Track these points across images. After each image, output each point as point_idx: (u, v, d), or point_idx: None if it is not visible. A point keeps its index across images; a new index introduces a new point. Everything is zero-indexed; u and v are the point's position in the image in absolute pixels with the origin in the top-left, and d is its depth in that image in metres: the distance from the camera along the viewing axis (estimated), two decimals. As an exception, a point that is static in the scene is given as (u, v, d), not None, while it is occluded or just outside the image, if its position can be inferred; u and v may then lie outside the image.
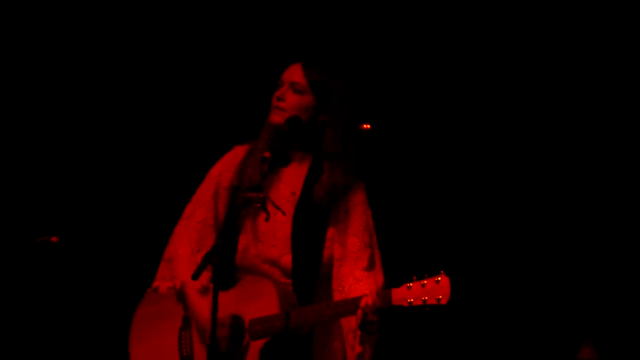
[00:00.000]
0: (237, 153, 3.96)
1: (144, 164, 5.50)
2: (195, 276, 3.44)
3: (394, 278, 3.68)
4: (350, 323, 3.68)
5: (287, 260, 3.78)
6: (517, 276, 5.19)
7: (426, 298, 3.46)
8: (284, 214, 3.79)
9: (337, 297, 3.75)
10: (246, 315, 3.68)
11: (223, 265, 3.49)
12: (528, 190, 5.23)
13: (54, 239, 4.07)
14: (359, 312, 3.54)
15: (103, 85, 5.51)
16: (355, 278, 3.75)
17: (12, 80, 5.46)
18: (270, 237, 3.80)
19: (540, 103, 5.21)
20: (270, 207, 3.71)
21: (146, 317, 3.89)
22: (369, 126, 4.01)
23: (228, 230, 3.54)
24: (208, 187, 3.94)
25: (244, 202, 3.59)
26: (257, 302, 3.67)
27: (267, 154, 3.66)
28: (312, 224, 3.79)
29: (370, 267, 3.79)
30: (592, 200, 5.15)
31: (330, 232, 3.80)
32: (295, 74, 3.83)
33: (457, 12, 5.24)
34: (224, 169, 3.93)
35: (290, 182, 3.87)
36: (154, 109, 5.51)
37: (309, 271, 3.76)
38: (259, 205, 3.61)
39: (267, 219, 3.77)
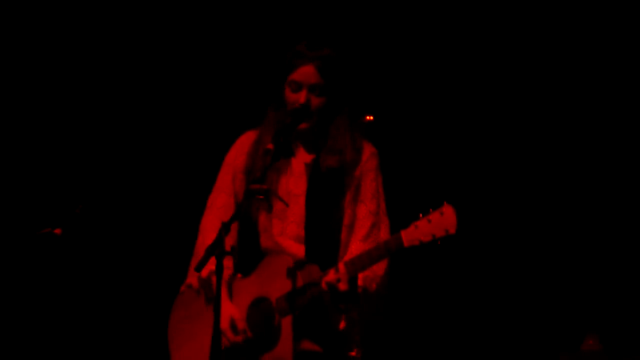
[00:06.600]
0: (249, 137, 3.98)
1: (146, 157, 5.49)
2: (198, 268, 3.46)
3: (403, 219, 3.62)
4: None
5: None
6: (522, 268, 5.20)
7: (435, 232, 3.43)
8: (286, 205, 3.82)
9: None
10: (271, 295, 3.72)
11: (226, 255, 3.47)
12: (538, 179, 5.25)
13: (57, 231, 4.07)
14: (323, 286, 3.55)
15: (105, 78, 5.50)
16: (352, 246, 3.78)
17: (14, 74, 5.46)
18: (289, 214, 3.83)
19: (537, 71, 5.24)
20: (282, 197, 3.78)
21: (180, 320, 3.91)
22: (371, 118, 4.00)
23: (233, 222, 3.53)
24: (226, 173, 3.97)
25: (247, 194, 3.61)
26: (279, 280, 3.70)
27: (270, 147, 3.68)
28: (326, 193, 3.82)
29: (368, 235, 3.80)
30: (604, 183, 5.16)
31: (347, 199, 3.82)
32: (311, 76, 3.80)
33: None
34: (238, 154, 3.96)
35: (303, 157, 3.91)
36: (157, 101, 5.51)
37: (327, 240, 3.78)
38: (262, 197, 3.62)
39: (269, 212, 3.82)
